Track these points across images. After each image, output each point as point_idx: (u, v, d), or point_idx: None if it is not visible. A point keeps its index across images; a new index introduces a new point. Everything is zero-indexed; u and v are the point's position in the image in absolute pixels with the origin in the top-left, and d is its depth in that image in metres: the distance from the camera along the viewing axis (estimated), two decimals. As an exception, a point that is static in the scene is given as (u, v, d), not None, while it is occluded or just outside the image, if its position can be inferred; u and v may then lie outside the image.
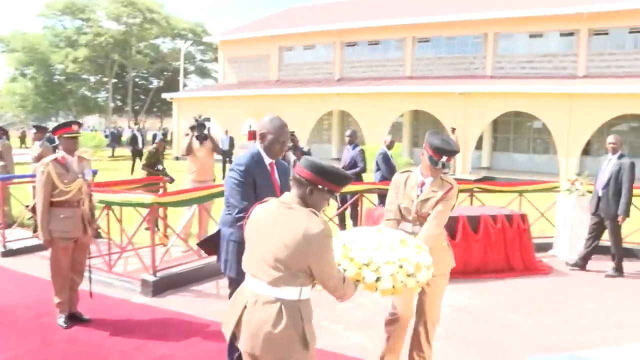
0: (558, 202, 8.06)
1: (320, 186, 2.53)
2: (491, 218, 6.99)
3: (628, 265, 7.17)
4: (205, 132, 7.65)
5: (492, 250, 6.92)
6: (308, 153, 7.78)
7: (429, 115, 23.81)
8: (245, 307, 2.54)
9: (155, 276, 5.88)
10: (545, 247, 8.05)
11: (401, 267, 2.75)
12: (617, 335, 4.89)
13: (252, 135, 31.27)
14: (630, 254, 7.64)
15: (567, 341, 4.75)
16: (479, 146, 24.08)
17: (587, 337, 4.84)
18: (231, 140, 20.22)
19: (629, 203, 6.86)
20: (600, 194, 7.08)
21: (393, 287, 2.72)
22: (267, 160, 3.56)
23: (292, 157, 7.64)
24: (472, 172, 21.74)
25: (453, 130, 20.77)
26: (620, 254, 7.02)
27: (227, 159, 19.45)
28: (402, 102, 23.41)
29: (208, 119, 8.39)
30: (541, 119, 21.41)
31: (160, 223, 7.35)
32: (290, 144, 7.56)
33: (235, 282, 3.41)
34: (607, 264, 7.14)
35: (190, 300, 5.66)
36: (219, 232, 3.70)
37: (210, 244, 3.80)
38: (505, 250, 7.00)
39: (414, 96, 22.96)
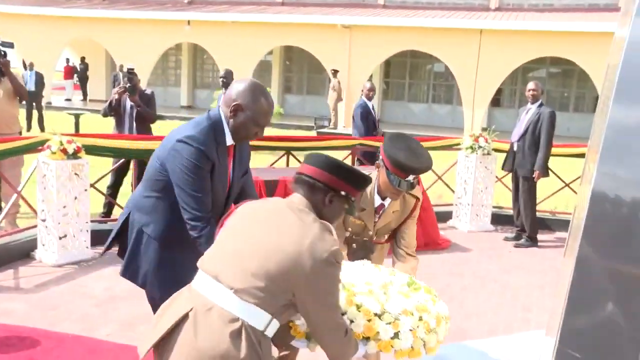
0: (459, 163, 8.45)
1: (343, 192, 2.42)
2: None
3: (539, 237, 7.77)
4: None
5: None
6: (151, 97, 7.42)
7: (306, 53, 24.02)
8: (187, 315, 2.24)
9: None
10: (444, 217, 8.45)
11: (421, 319, 2.60)
12: (525, 320, 5.25)
13: (69, 73, 29.61)
14: (542, 224, 8.23)
15: (466, 328, 5.00)
16: (367, 94, 24.67)
17: (489, 323, 5.14)
18: (39, 77, 18.87)
19: (546, 157, 7.39)
20: (515, 147, 7.59)
21: (412, 346, 2.55)
22: (229, 140, 3.11)
23: (128, 103, 7.27)
24: (358, 126, 22.24)
25: (335, 72, 21.09)
26: (534, 219, 7.61)
27: (34, 104, 18.22)
28: (271, 35, 23.40)
29: (10, 44, 7.51)
30: (443, 61, 22.35)
31: None
32: (127, 85, 7.20)
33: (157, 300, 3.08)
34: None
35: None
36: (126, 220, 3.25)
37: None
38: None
39: (286, 28, 23.02)
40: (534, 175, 7.40)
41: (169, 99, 27.31)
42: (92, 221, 6.52)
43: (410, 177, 3.24)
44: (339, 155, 9.07)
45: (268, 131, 3.83)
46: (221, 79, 8.82)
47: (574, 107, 24.38)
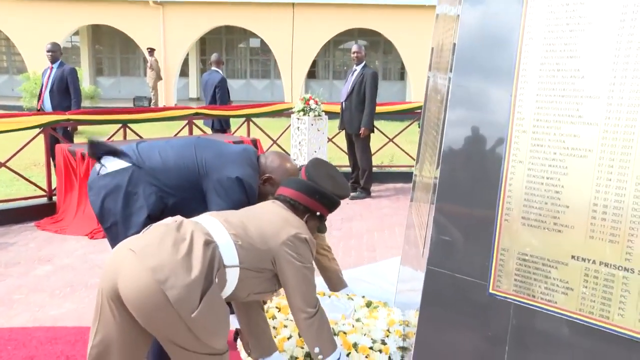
0: (292, 126, 8.87)
1: (318, 213, 2.89)
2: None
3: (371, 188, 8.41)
4: None
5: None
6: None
7: (117, 32, 23.34)
8: (175, 221, 2.54)
9: None
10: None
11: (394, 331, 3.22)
12: (371, 257, 5.78)
13: None
14: (373, 177, 8.86)
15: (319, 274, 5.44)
16: (184, 72, 24.55)
17: (341, 263, 5.42)
18: None
19: (371, 115, 8.03)
20: (343, 106, 8.20)
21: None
22: None
23: None
24: (178, 104, 22.11)
25: (151, 51, 20.77)
26: (370, 171, 8.25)
27: None
28: (76, 13, 22.39)
29: None
30: (259, 36, 22.74)
31: None
32: None
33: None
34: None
35: None
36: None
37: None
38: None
39: (93, 5, 22.21)
40: (360, 132, 8.00)
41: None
42: None
43: None
44: (176, 125, 9.19)
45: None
46: (49, 53, 8.49)
47: (382, 76, 25.86)
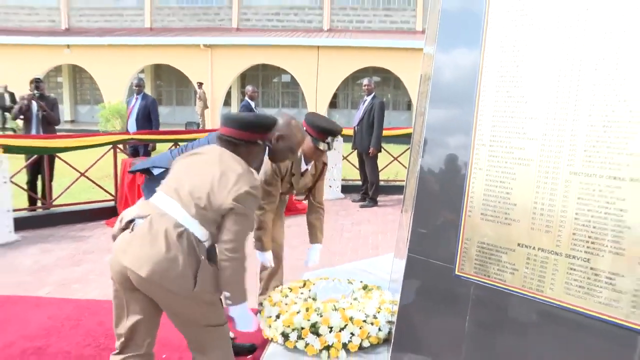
0: (313, 146, 9.00)
1: (259, 141, 2.56)
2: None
3: (378, 199, 8.50)
4: None
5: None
6: (55, 102, 7.40)
7: (174, 69, 23.73)
8: (145, 217, 2.39)
9: None
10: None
11: (386, 308, 3.28)
12: (374, 255, 5.85)
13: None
14: (380, 189, 8.96)
15: (334, 264, 5.50)
16: (227, 102, 24.86)
17: (349, 259, 5.68)
18: None
19: (379, 137, 8.16)
20: (355, 130, 8.33)
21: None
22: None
23: (34, 108, 7.16)
24: (223, 129, 22.32)
25: (200, 85, 21.10)
26: (377, 184, 8.37)
27: None
28: (142, 55, 22.87)
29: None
30: (290, 72, 23.01)
31: None
32: (35, 92, 7.19)
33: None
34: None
35: None
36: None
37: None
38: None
39: (155, 49, 22.62)
40: (369, 152, 8.11)
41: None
42: (15, 210, 6.38)
43: (329, 139, 3.53)
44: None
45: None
46: (137, 88, 8.66)
47: (392, 106, 25.92)
